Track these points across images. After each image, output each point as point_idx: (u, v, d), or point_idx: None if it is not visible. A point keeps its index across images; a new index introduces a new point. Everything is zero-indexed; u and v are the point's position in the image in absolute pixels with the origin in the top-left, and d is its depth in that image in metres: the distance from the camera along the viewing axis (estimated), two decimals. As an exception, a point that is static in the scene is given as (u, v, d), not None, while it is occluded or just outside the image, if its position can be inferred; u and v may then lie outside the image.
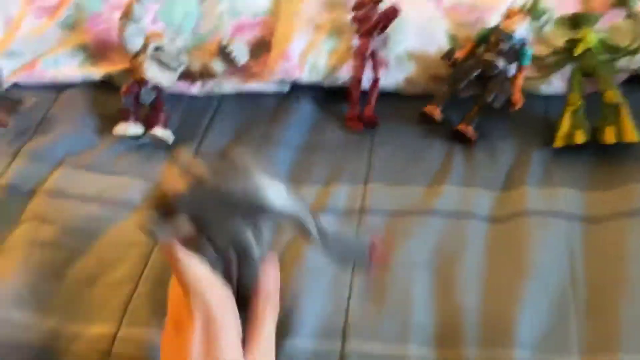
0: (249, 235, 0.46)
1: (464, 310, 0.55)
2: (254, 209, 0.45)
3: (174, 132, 0.78)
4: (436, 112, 0.74)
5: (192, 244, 0.46)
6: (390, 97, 0.80)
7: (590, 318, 0.53)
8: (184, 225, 0.45)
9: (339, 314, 0.56)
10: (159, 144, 0.76)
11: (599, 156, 0.68)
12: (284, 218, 0.47)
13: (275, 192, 0.46)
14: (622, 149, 0.67)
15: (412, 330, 0.54)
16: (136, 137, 0.77)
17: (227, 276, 0.46)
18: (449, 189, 0.67)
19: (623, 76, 0.76)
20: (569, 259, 0.58)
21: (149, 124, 0.76)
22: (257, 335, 0.45)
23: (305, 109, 0.80)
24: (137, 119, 0.76)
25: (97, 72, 0.85)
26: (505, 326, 0.53)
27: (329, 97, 0.82)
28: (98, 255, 0.63)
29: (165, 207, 0.44)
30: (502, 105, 0.74)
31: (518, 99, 0.74)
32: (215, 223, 0.45)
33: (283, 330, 0.53)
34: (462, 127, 0.73)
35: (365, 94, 0.78)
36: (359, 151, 0.74)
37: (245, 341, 0.44)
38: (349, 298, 0.57)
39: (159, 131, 0.76)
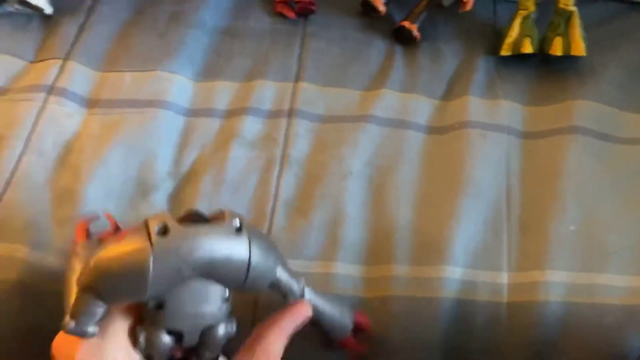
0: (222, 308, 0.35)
1: (396, 225, 0.50)
2: (236, 281, 0.34)
3: (53, 0, 0.60)
4: (380, 3, 0.65)
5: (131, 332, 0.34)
6: (328, -20, 0.68)
7: (522, 235, 0.51)
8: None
9: (261, 228, 0.49)
10: (32, 14, 0.59)
11: (543, 68, 0.65)
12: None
13: (263, 262, 0.34)
14: (567, 62, 0.64)
15: (341, 246, 0.49)
16: (-1, 1, 0.59)
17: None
18: (388, 94, 0.60)
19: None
20: (506, 175, 0.55)
21: (16, -15, 0.59)
22: None
23: (225, -14, 0.66)
24: (-2, -23, 0.58)
25: None
26: (437, 243, 0.50)
27: (256, -26, 0.68)
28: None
29: (110, 286, 0.31)
30: (451, 4, 0.66)
31: (469, -3, 0.66)
32: (183, 298, 0.33)
33: None
34: (406, 23, 0.64)
35: (299, -26, 0.66)
36: (288, 43, 0.63)
37: None
38: (272, 211, 0.50)
39: (31, -5, 0.58)
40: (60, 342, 0.32)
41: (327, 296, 0.42)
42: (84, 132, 0.52)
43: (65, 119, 0.53)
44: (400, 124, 0.58)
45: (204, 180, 0.50)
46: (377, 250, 0.50)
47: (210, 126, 0.55)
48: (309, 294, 0.39)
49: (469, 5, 0.67)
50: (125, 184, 0.49)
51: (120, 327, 0.33)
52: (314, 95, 0.59)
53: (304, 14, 0.65)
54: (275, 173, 0.52)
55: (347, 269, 0.48)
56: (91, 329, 0.31)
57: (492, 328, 0.47)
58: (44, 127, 0.51)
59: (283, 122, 0.56)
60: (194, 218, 0.33)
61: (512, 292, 0.48)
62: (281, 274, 0.37)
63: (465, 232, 0.51)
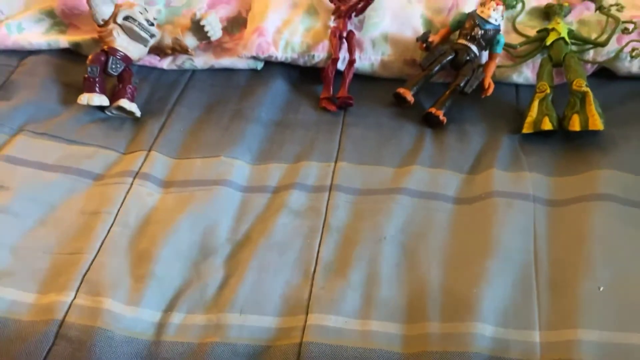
0: None
1: (428, 285, 0.55)
2: None
3: (142, 106, 0.76)
4: (409, 94, 0.74)
5: None
6: (363, 78, 0.79)
7: (551, 295, 0.54)
8: None
9: (303, 288, 0.55)
10: (126, 117, 0.74)
11: (565, 143, 0.70)
12: None
13: None
14: (587, 136, 0.69)
15: (376, 305, 0.53)
16: (102, 109, 0.74)
17: None
18: (418, 169, 0.67)
19: (591, 69, 0.78)
20: (533, 239, 0.59)
21: (115, 96, 0.74)
22: None
23: (279, 87, 0.79)
24: (103, 90, 0.74)
25: (63, 40, 0.82)
26: (467, 300, 0.53)
27: (304, 76, 0.81)
28: (56, 224, 0.61)
29: None
30: (474, 91, 0.75)
31: (489, 84, 0.75)
32: None
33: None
34: (433, 110, 0.73)
35: (339, 75, 0.78)
36: (330, 131, 0.73)
37: None
38: (314, 272, 0.56)
39: (126, 103, 0.73)
40: None
41: None
42: (161, 206, 0.63)
43: (146, 197, 0.64)
44: (430, 196, 0.64)
45: (256, 245, 0.58)
46: (411, 308, 0.53)
47: (262, 200, 0.64)
48: None
49: (490, 90, 0.75)
50: (191, 247, 0.58)
51: None
52: (351, 172, 0.67)
53: (344, 107, 0.76)
54: (317, 239, 0.59)
55: (384, 327, 0.52)
56: None
57: (526, 385, 0.48)
58: (129, 204, 0.63)
59: (324, 195, 0.64)
60: None
61: (545, 351, 0.50)
62: None
63: (495, 291, 0.54)
